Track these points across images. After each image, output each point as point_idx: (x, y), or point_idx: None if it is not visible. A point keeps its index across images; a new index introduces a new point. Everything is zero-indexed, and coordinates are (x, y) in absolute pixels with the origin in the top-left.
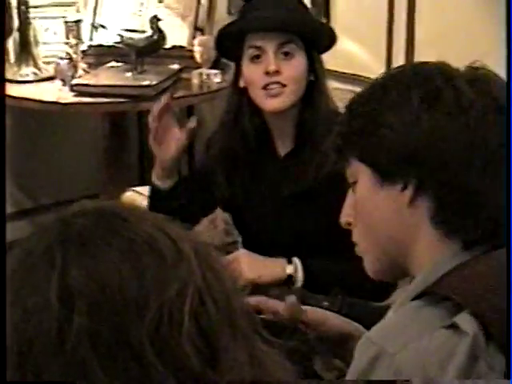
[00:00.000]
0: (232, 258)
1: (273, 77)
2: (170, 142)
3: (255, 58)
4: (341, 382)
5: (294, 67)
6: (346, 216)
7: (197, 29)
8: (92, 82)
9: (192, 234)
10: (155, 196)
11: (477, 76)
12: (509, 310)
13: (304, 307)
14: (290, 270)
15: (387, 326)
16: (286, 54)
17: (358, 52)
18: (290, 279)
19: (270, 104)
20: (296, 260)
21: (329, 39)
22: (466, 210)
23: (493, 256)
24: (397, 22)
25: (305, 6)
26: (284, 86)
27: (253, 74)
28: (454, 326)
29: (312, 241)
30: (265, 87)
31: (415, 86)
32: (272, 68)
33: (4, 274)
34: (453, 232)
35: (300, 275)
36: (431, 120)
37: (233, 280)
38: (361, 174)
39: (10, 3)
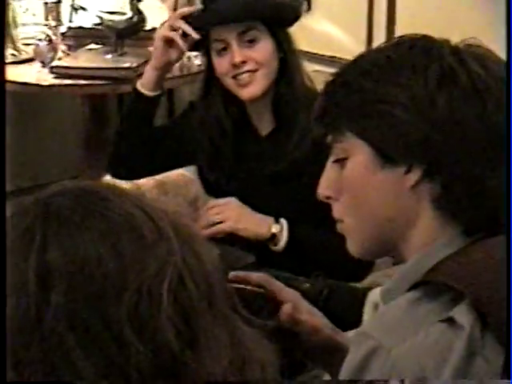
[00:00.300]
0: (223, 202)
1: (241, 67)
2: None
3: (221, 51)
4: (341, 382)
5: (260, 53)
6: (325, 189)
7: (176, 11)
8: (72, 64)
9: (174, 214)
10: (137, 102)
11: (483, 56)
12: (509, 308)
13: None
14: (275, 228)
15: (383, 320)
16: (250, 41)
17: (337, 34)
18: (272, 239)
19: (244, 93)
20: (283, 221)
21: (293, 13)
22: (471, 196)
23: (490, 242)
24: (377, 2)
25: None
26: (254, 71)
27: (221, 66)
28: (450, 320)
29: (295, 219)
30: (235, 77)
31: (429, 64)
32: (237, 60)
33: (4, 271)
34: (454, 217)
35: (284, 236)
36: (448, 103)
37: (214, 259)
38: (356, 151)
39: None
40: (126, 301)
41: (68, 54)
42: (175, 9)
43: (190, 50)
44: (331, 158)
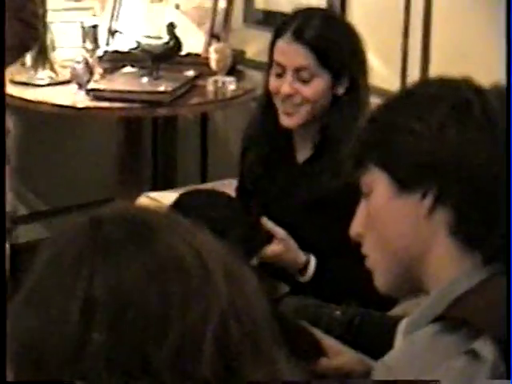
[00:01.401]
0: (282, 236)
1: (288, 98)
2: None
3: (278, 75)
4: (341, 382)
5: (310, 90)
6: (357, 227)
7: (213, 36)
8: (108, 86)
9: (225, 254)
10: None
11: (502, 93)
12: (509, 311)
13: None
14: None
15: (405, 353)
16: (303, 80)
17: (373, 62)
18: (301, 270)
19: (284, 121)
20: (312, 259)
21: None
22: (486, 223)
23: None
24: (412, 31)
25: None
26: (299, 105)
27: (273, 87)
28: (472, 352)
29: (323, 250)
30: (283, 100)
31: (444, 96)
32: (285, 91)
33: (4, 274)
34: (471, 246)
35: (312, 268)
36: (458, 130)
37: (263, 302)
38: (377, 183)
39: None
40: (168, 345)
41: (104, 77)
42: (212, 34)
43: (225, 75)
44: (362, 197)
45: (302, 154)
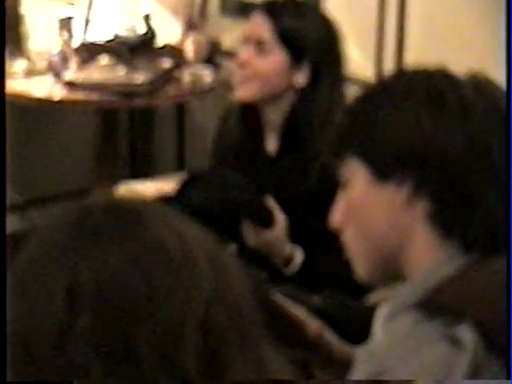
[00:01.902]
0: (282, 222)
1: (243, 67)
2: None
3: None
4: (341, 383)
5: (264, 63)
6: (337, 217)
7: (189, 26)
8: (84, 78)
9: (209, 241)
10: None
11: (479, 82)
12: (509, 313)
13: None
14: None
15: (387, 340)
16: (261, 52)
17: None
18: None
19: (236, 92)
20: (298, 248)
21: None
22: (464, 211)
23: (491, 261)
24: (387, 19)
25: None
26: (252, 77)
27: (235, 58)
28: (453, 339)
29: (300, 242)
30: (239, 68)
31: (418, 86)
32: (241, 57)
33: (4, 273)
34: (450, 233)
35: (297, 262)
36: (433, 120)
37: (247, 289)
38: (356, 173)
39: None
40: (151, 330)
41: (80, 68)
42: (190, 25)
43: (202, 66)
44: (340, 188)
45: (271, 145)
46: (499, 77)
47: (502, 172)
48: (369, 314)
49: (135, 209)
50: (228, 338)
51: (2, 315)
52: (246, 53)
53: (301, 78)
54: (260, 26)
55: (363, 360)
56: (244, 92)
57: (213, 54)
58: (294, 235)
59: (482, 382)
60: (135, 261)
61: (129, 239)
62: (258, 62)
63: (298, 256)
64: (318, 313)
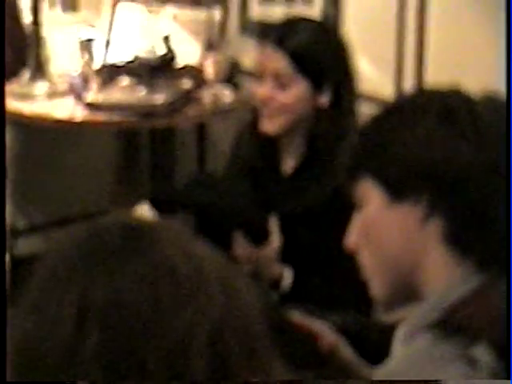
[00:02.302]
0: (277, 242)
1: (267, 102)
2: None
3: (259, 80)
4: (341, 383)
5: (288, 96)
6: (353, 237)
7: (209, 47)
8: (105, 99)
9: (222, 264)
10: None
11: (492, 101)
12: (509, 312)
13: None
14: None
15: (405, 361)
16: (281, 85)
17: (367, 70)
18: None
19: (264, 126)
20: (289, 270)
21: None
22: (479, 229)
23: (505, 282)
24: (406, 38)
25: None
26: (279, 111)
27: (254, 92)
28: (470, 359)
29: (303, 264)
30: (263, 104)
31: (432, 106)
32: (263, 94)
33: (4, 275)
34: (466, 252)
35: (287, 283)
36: (446, 138)
37: (258, 312)
38: (371, 194)
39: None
40: (159, 351)
41: (101, 90)
42: (209, 45)
43: (222, 86)
44: (356, 208)
45: (288, 166)
46: None
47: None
48: (387, 333)
49: (148, 229)
50: (236, 359)
51: (2, 317)
52: (265, 88)
53: (324, 101)
54: (274, 58)
55: (381, 381)
56: (271, 126)
57: (233, 74)
58: (298, 255)
59: (482, 382)
60: (144, 281)
61: (139, 260)
62: (280, 96)
63: (288, 277)
64: (338, 330)
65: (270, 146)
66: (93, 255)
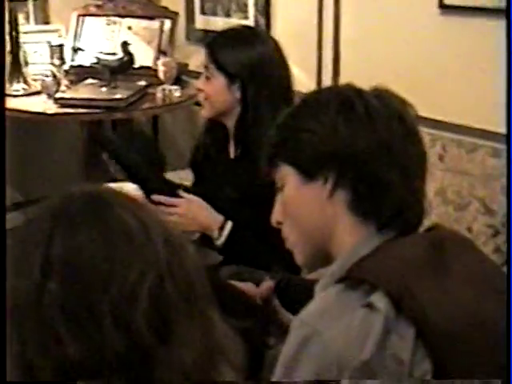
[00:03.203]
0: (187, 201)
1: (200, 91)
2: None
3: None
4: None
5: (209, 87)
6: (276, 216)
7: (160, 52)
8: (73, 95)
9: (166, 225)
10: None
11: (380, 92)
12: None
13: None
14: (216, 234)
15: (316, 308)
16: (207, 78)
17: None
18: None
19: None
20: (229, 224)
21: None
22: (377, 197)
23: (401, 242)
24: (325, 44)
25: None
26: (205, 99)
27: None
28: (370, 305)
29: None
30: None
31: (332, 98)
32: (197, 85)
33: (4, 274)
34: (367, 218)
35: (223, 237)
36: (347, 125)
37: (198, 266)
38: (288, 176)
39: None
40: (110, 296)
41: (70, 88)
42: (159, 50)
43: (171, 84)
44: (278, 190)
45: (233, 150)
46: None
47: (405, 164)
48: (310, 288)
49: (105, 196)
50: (177, 306)
51: (1, 316)
52: (199, 81)
53: (237, 94)
54: (206, 57)
55: (297, 326)
56: (203, 112)
57: (180, 75)
58: (251, 225)
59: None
60: (100, 238)
61: (97, 221)
62: (206, 87)
63: (229, 225)
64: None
65: (218, 135)
66: (58, 217)
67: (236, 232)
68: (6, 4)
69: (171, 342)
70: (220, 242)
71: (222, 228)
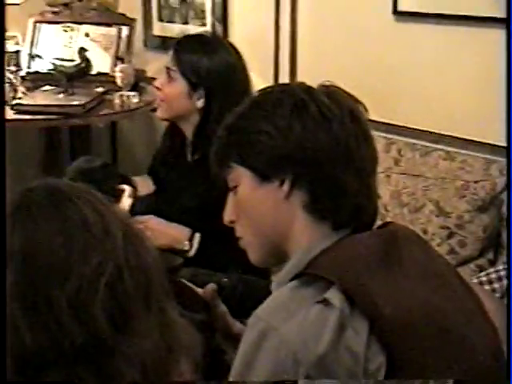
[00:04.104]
0: (141, 220)
1: (158, 91)
2: None
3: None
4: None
5: (169, 89)
6: (228, 215)
7: (118, 58)
8: (30, 102)
9: (126, 220)
10: None
11: (330, 90)
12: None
13: None
14: (187, 244)
15: (271, 305)
16: (168, 80)
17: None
18: (186, 250)
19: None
20: (197, 235)
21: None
22: (332, 198)
23: (355, 239)
24: (282, 50)
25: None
26: (162, 100)
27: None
28: (325, 301)
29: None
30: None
31: (284, 99)
32: (155, 83)
33: (4, 275)
34: (322, 217)
35: (194, 249)
36: (301, 126)
37: (155, 260)
38: (242, 177)
39: None
40: (68, 287)
41: (26, 94)
42: (117, 56)
43: (129, 90)
44: (230, 190)
45: (190, 156)
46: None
47: (360, 164)
48: (267, 289)
49: (65, 189)
50: (135, 298)
51: (2, 317)
52: (159, 80)
53: (198, 102)
54: (171, 58)
55: (253, 322)
56: (159, 112)
57: (138, 81)
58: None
59: (333, 324)
60: (59, 230)
61: (56, 213)
62: (166, 88)
63: (197, 237)
64: (226, 290)
65: (176, 140)
66: (19, 210)
67: (205, 241)
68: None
69: (129, 334)
70: (192, 253)
71: (191, 239)
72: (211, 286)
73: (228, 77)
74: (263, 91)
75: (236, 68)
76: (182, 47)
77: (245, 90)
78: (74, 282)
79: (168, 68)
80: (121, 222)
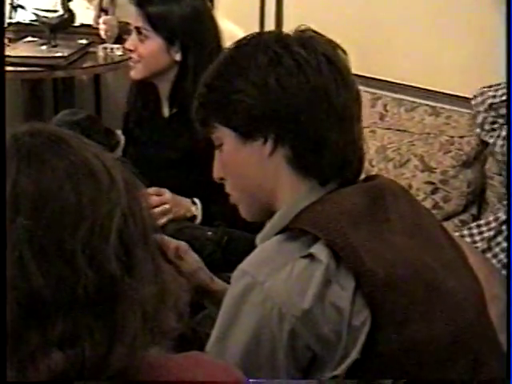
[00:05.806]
0: (159, 193)
1: (131, 52)
2: None
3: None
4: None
5: (144, 48)
6: (217, 173)
7: (102, 10)
8: (12, 53)
9: (123, 168)
10: None
11: (305, 38)
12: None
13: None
14: (195, 210)
15: (256, 258)
16: (141, 39)
17: (235, 30)
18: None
19: (130, 73)
20: (197, 201)
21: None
22: (316, 152)
23: (341, 193)
24: (268, 4)
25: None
26: (137, 61)
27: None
28: (310, 256)
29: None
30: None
31: (258, 53)
32: (127, 46)
33: (4, 274)
34: (308, 173)
35: (200, 215)
36: (277, 81)
37: (148, 208)
38: (225, 137)
39: None
40: (81, 233)
41: (9, 46)
42: (101, 8)
43: (113, 43)
44: (216, 148)
45: (167, 110)
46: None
47: (342, 112)
48: (252, 242)
49: (63, 136)
50: (137, 243)
51: (2, 316)
52: (130, 41)
53: (177, 55)
54: (136, 16)
55: (238, 276)
56: (133, 73)
57: (122, 33)
58: (191, 186)
59: (319, 279)
60: (67, 177)
61: (61, 159)
62: (139, 48)
63: (200, 212)
64: (212, 243)
65: (150, 96)
66: (20, 153)
67: (194, 196)
68: None
69: (135, 276)
70: (199, 219)
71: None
72: (179, 244)
73: (199, 24)
74: (238, 44)
75: (206, 14)
76: (148, 4)
77: (217, 39)
78: (86, 226)
79: (138, 27)
80: (121, 171)
